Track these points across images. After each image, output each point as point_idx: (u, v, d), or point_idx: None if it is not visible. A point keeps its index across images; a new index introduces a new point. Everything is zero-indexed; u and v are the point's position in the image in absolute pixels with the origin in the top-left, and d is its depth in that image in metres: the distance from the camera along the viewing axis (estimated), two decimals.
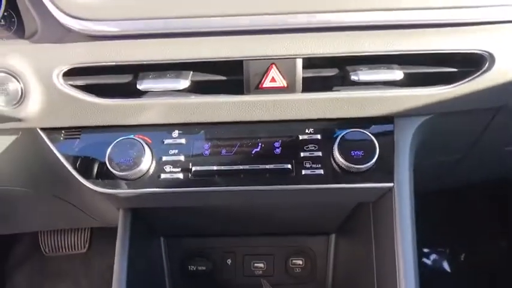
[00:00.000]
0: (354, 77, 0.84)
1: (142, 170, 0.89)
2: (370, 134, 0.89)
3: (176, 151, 0.92)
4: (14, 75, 0.84)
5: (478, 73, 0.86)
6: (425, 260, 1.84)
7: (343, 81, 0.89)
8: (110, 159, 0.88)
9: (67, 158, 0.93)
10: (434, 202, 1.69)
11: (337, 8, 0.82)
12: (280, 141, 0.92)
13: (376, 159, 0.88)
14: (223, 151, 0.92)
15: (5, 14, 0.97)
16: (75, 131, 0.93)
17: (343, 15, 0.83)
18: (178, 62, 0.85)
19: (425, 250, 1.86)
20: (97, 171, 0.92)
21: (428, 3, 0.82)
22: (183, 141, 0.92)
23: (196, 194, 0.93)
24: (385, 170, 0.91)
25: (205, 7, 0.83)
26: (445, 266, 1.84)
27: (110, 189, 0.91)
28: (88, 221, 1.32)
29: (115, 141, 0.89)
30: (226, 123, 0.92)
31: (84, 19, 0.85)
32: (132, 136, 0.90)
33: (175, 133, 0.93)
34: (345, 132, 0.89)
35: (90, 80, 0.88)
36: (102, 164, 0.91)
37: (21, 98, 0.86)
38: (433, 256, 1.86)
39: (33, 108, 0.87)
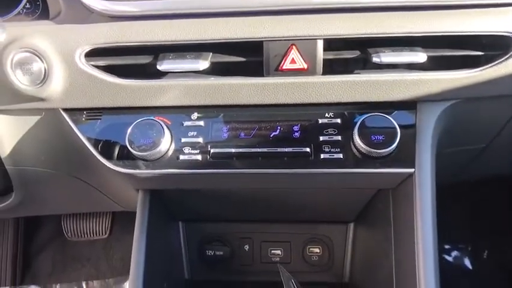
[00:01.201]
0: (375, 59, 0.83)
1: (162, 151, 0.90)
2: (391, 119, 0.87)
3: (195, 133, 0.92)
4: (38, 54, 0.86)
5: (506, 56, 0.83)
6: (445, 256, 1.80)
7: (365, 63, 0.88)
8: (129, 140, 0.89)
9: (88, 138, 0.95)
10: (456, 196, 1.65)
11: None
12: (299, 124, 0.91)
13: (397, 144, 0.86)
14: (242, 134, 0.92)
15: None
16: (96, 112, 0.95)
17: None
18: (198, 43, 0.86)
19: (446, 246, 1.82)
20: (117, 152, 0.94)
21: None
22: (202, 123, 0.92)
23: (214, 176, 0.93)
24: (406, 155, 0.89)
25: None
26: (467, 263, 1.80)
27: (129, 169, 0.93)
28: (109, 204, 1.34)
29: (135, 122, 0.90)
30: (245, 106, 0.91)
31: None
32: (152, 117, 0.91)
33: (195, 115, 0.93)
34: (365, 117, 0.87)
35: (112, 61, 0.89)
36: (123, 145, 0.92)
37: (44, 78, 0.88)
38: (454, 253, 1.81)
39: (55, 88, 0.89)
